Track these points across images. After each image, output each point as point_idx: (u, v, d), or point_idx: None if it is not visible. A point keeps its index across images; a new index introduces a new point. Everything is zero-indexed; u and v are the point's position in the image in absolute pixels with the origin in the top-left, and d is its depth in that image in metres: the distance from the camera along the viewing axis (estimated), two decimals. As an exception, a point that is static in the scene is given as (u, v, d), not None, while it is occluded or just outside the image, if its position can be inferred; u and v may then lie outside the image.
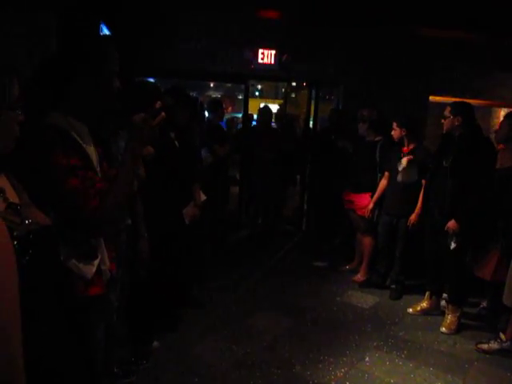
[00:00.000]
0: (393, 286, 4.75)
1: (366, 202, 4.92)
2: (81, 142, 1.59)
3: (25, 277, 0.97)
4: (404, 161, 4.44)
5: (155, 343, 3.43)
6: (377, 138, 4.96)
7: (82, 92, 1.63)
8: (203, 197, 3.86)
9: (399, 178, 4.53)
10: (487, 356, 3.63)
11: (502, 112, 8.88)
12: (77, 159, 1.53)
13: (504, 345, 3.64)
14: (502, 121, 4.28)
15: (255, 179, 6.50)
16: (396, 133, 4.62)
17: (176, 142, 3.43)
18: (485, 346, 3.68)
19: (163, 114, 1.61)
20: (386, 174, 4.77)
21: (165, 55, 6.40)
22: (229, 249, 5.89)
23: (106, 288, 1.69)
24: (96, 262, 1.61)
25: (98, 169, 1.67)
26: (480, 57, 6.86)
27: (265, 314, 4.18)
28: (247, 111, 6.94)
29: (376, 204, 4.83)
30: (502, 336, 3.66)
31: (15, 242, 1.00)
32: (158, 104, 1.62)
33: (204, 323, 3.90)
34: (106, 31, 5.55)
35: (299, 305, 4.39)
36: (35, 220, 1.14)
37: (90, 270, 1.58)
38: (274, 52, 6.68)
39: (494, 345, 3.67)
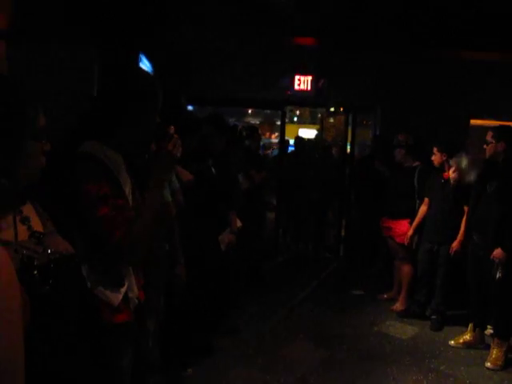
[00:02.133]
0: (433, 317, 4.57)
1: (404, 229, 4.81)
2: (114, 170, 1.63)
3: (46, 306, 0.98)
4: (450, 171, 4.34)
5: (189, 370, 3.41)
6: (415, 164, 4.86)
7: (126, 129, 1.68)
8: (239, 223, 3.87)
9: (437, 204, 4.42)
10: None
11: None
12: (108, 188, 1.57)
13: None
14: None
15: (294, 206, 6.51)
16: (437, 158, 4.52)
17: (213, 169, 3.48)
18: None
19: (175, 136, 1.65)
20: (426, 200, 4.65)
21: (203, 84, 6.54)
22: (265, 275, 5.84)
23: (133, 315, 1.69)
24: (123, 290, 1.63)
25: (130, 197, 1.71)
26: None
27: (299, 343, 4.09)
28: (284, 137, 6.98)
29: (415, 231, 4.70)
30: None
31: (35, 272, 1.02)
32: (171, 129, 1.66)
33: (237, 351, 3.85)
34: (146, 63, 5.75)
35: (335, 334, 4.28)
36: (58, 249, 1.16)
37: (117, 297, 1.59)
38: (310, 78, 6.73)
39: None
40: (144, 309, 1.89)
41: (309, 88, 6.75)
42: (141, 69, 1.74)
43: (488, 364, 3.80)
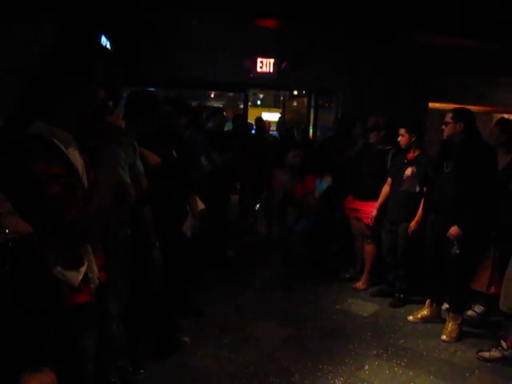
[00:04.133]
0: (397, 295, 4.72)
1: (373, 210, 4.89)
2: (65, 150, 1.60)
3: (6, 285, 0.97)
4: (409, 171, 4.41)
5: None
6: (387, 147, 4.94)
7: (67, 104, 1.66)
8: (201, 206, 3.86)
9: (403, 187, 4.51)
10: (488, 364, 3.59)
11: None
12: (59, 167, 1.55)
13: (506, 353, 3.60)
14: (493, 127, 4.31)
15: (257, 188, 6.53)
16: (404, 139, 4.54)
17: (174, 152, 3.44)
18: (486, 354, 3.64)
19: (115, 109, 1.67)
20: (389, 180, 4.74)
21: (165, 65, 6.45)
22: (230, 257, 5.87)
23: (94, 296, 1.68)
24: (82, 269, 1.62)
25: (84, 176, 1.68)
26: (480, 63, 6.88)
27: (264, 322, 4.16)
28: (246, 120, 6.97)
29: (379, 211, 4.80)
30: (504, 344, 3.63)
31: None
32: (110, 103, 1.67)
33: (203, 332, 3.88)
34: (106, 43, 5.61)
35: (298, 313, 4.37)
36: (16, 229, 1.15)
37: (76, 277, 1.58)
38: (272, 60, 6.73)
39: (495, 353, 3.63)
40: (105, 291, 1.88)
41: (271, 71, 6.75)
42: (78, 42, 1.69)
43: (443, 337, 3.97)
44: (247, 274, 5.40)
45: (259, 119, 7.52)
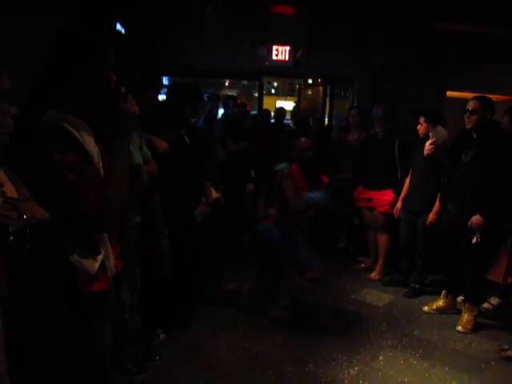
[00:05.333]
0: (412, 285, 4.68)
1: (388, 199, 4.86)
2: (80, 138, 1.60)
3: (24, 271, 0.97)
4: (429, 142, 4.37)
5: (162, 336, 3.43)
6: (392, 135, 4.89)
7: (80, 89, 1.65)
8: (215, 194, 3.86)
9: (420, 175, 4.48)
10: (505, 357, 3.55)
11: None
12: (74, 155, 1.54)
13: None
14: (504, 115, 4.23)
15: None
16: (423, 128, 4.49)
17: (186, 139, 3.44)
18: (510, 353, 3.57)
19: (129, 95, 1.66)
20: (411, 171, 4.69)
21: (179, 54, 6.43)
22: (244, 247, 5.87)
23: (111, 284, 1.69)
24: (99, 258, 1.62)
25: (100, 165, 1.68)
26: (497, 52, 6.75)
27: (278, 311, 4.15)
28: (261, 108, 6.93)
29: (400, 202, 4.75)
30: None
31: (11, 237, 1.01)
32: (123, 88, 1.65)
33: (218, 320, 3.90)
34: (121, 30, 5.60)
35: (314, 303, 4.36)
36: (33, 215, 1.15)
37: (93, 265, 1.58)
38: (288, 48, 6.66)
39: None
40: (119, 280, 1.89)
41: (287, 58, 6.69)
42: (87, 29, 1.68)
43: (459, 328, 3.94)
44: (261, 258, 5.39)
45: (280, 109, 7.44)
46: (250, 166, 6.28)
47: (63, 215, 1.45)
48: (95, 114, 1.71)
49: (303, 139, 3.98)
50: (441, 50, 6.63)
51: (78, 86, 1.64)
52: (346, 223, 5.97)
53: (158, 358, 3.23)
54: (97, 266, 1.59)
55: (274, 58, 6.63)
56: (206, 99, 5.38)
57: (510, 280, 3.90)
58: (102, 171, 1.66)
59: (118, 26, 5.26)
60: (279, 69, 6.89)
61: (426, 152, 4.37)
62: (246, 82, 15.02)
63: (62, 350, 1.23)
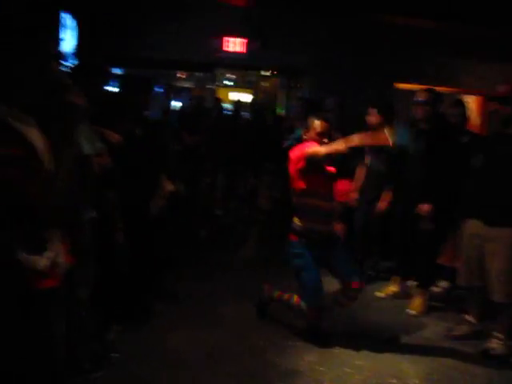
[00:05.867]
0: (369, 272, 4.82)
1: (344, 189, 4.96)
2: (24, 132, 1.56)
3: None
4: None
5: (117, 327, 3.39)
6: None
7: (18, 75, 1.61)
8: (171, 187, 3.83)
9: (372, 165, 4.59)
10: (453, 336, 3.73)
11: (470, 99, 9.09)
12: (18, 149, 1.51)
13: (474, 328, 3.72)
14: (451, 107, 4.49)
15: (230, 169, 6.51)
16: (374, 119, 4.59)
17: (139, 131, 3.39)
18: (457, 333, 3.74)
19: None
20: (365, 161, 4.81)
21: (129, 44, 6.30)
22: (203, 239, 5.88)
23: (63, 280, 1.66)
24: (48, 254, 1.59)
25: (47, 158, 1.65)
26: (445, 45, 6.98)
27: (237, 303, 4.18)
28: (217, 101, 6.91)
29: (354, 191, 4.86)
30: (468, 317, 3.75)
31: None
32: (67, 80, 1.63)
33: (176, 314, 3.88)
34: (69, 20, 5.45)
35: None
36: None
37: (42, 261, 1.55)
38: (242, 40, 6.65)
39: (464, 327, 3.75)
40: (73, 275, 1.86)
41: (241, 50, 6.68)
42: (25, 18, 1.64)
43: (412, 311, 4.10)
44: (219, 254, 5.42)
45: (237, 101, 7.44)
46: (207, 159, 6.26)
47: (9, 211, 1.42)
48: (40, 107, 1.66)
49: (318, 122, 3.50)
50: (391, 42, 6.79)
51: (15, 71, 1.59)
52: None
53: (115, 354, 3.19)
54: (45, 262, 1.56)
55: (228, 49, 6.61)
56: (160, 91, 5.33)
57: (458, 263, 4.09)
58: (48, 164, 1.62)
59: (64, 16, 5.10)
60: (233, 61, 6.87)
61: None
62: (201, 74, 14.89)
63: (12, 349, 1.20)
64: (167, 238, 4.25)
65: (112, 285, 3.07)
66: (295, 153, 3.47)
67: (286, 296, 3.69)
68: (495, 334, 3.47)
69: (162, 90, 5.68)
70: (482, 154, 3.50)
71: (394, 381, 3.10)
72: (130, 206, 3.15)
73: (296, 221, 3.56)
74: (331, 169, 3.55)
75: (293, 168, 3.48)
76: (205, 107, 6.47)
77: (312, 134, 3.46)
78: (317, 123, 3.45)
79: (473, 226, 3.51)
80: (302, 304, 3.48)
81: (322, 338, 3.52)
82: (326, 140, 3.41)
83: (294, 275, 3.57)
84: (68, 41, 6.01)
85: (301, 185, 3.48)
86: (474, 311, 3.73)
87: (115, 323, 3.38)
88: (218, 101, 7.09)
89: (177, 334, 3.56)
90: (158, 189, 3.70)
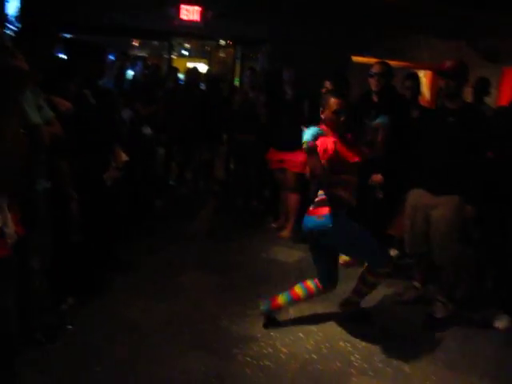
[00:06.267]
0: None
1: (300, 159, 5.01)
2: None
3: None
4: None
5: (70, 299, 3.38)
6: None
7: None
8: (125, 157, 3.77)
9: None
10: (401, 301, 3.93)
11: (422, 74, 9.32)
12: None
13: (419, 292, 3.93)
14: (404, 80, 4.70)
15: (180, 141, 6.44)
16: None
17: (92, 99, 3.31)
18: (405, 297, 3.94)
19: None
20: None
21: (83, 11, 6.05)
22: (157, 210, 5.85)
23: (12, 251, 1.63)
24: None
25: None
26: (399, 19, 7.07)
27: (192, 272, 4.23)
28: (172, 70, 6.77)
29: None
30: (414, 283, 3.95)
31: None
32: (7, 42, 1.57)
33: (132, 285, 3.88)
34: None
35: (226, 262, 4.49)
36: None
37: None
38: (198, 8, 6.51)
39: (411, 293, 3.95)
40: (26, 246, 1.83)
41: (197, 19, 6.55)
42: None
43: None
44: (175, 225, 5.43)
45: (192, 69, 7.14)
46: (162, 130, 6.17)
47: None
48: None
49: (334, 99, 3.24)
50: (348, 16, 6.83)
51: None
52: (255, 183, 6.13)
53: (69, 326, 3.18)
54: None
55: (184, 17, 6.46)
56: (113, 59, 5.18)
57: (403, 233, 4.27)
58: None
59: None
60: (189, 29, 6.73)
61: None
62: (156, 43, 14.51)
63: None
64: (122, 208, 4.20)
65: (66, 256, 3.04)
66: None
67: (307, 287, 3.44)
68: (438, 297, 3.68)
69: (114, 58, 5.50)
70: (428, 127, 3.64)
71: (345, 344, 3.25)
72: (84, 176, 3.09)
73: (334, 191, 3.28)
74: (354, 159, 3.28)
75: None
76: (159, 77, 6.33)
77: (328, 112, 3.25)
78: (333, 101, 3.23)
79: (418, 196, 3.66)
80: (369, 271, 3.37)
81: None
82: (342, 118, 3.20)
83: (344, 249, 3.55)
84: (12, 3, 5.70)
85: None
86: (419, 277, 3.94)
87: (70, 295, 3.35)
88: (174, 70, 6.95)
89: (133, 304, 3.57)
90: (112, 159, 3.64)
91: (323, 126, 3.25)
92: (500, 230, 3.64)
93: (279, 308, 3.48)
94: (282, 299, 3.44)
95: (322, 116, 3.30)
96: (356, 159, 3.27)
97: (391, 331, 3.47)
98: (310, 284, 3.40)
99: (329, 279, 3.38)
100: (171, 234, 5.12)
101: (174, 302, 3.66)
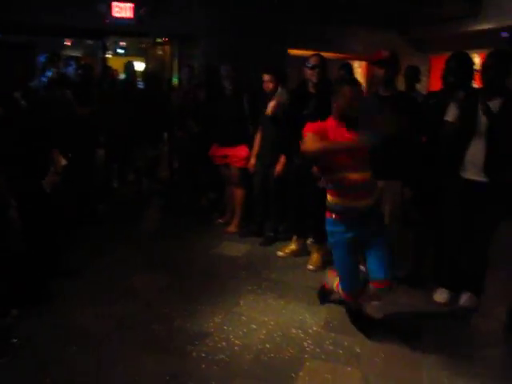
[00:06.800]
0: (267, 234, 5.02)
1: (243, 154, 5.06)
2: None
3: None
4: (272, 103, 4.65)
5: (14, 311, 3.26)
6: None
7: None
8: (63, 161, 3.66)
9: (266, 130, 4.73)
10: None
11: (357, 65, 9.63)
12: None
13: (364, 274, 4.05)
14: (339, 70, 4.87)
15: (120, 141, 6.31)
16: (271, 85, 4.72)
17: (23, 102, 3.18)
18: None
19: None
20: (261, 127, 4.93)
21: (5, 7, 5.79)
22: (101, 214, 5.72)
23: None
24: None
25: None
26: (333, 12, 7.25)
27: (141, 274, 4.18)
28: (106, 69, 6.61)
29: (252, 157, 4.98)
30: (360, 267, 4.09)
31: None
32: None
33: (79, 291, 3.79)
34: None
35: (175, 261, 4.47)
36: None
37: None
38: (130, 5, 6.39)
39: None
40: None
41: (130, 16, 6.42)
42: None
43: (310, 266, 4.37)
44: (120, 227, 5.35)
45: (127, 65, 6.89)
46: (100, 131, 6.02)
47: None
48: None
49: (348, 88, 3.04)
50: (284, 10, 6.91)
51: None
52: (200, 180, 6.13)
53: (14, 340, 3.06)
54: None
55: (116, 14, 6.32)
56: (44, 60, 5.00)
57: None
58: None
59: None
60: (123, 27, 6.58)
61: (268, 112, 4.64)
62: (90, 42, 14.09)
63: None
64: (65, 213, 4.08)
65: (7, 266, 2.92)
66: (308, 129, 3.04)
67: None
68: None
69: (43, 59, 5.30)
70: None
71: (297, 331, 3.33)
72: (22, 183, 2.98)
73: (328, 198, 3.15)
74: (350, 139, 3.02)
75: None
76: (93, 77, 6.15)
77: (341, 101, 3.03)
78: (347, 88, 3.03)
79: None
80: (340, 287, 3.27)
81: (364, 324, 3.35)
82: (357, 105, 3.01)
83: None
84: None
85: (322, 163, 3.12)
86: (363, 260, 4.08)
87: (14, 306, 3.23)
88: (108, 70, 6.78)
89: (82, 310, 3.49)
90: (50, 164, 3.52)
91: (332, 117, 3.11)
92: (436, 210, 3.83)
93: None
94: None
95: (334, 105, 3.10)
96: (351, 140, 2.99)
97: (340, 314, 3.58)
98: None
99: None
100: (117, 236, 5.03)
101: (125, 304, 3.60)
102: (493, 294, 3.80)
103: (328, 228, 3.17)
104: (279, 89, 4.71)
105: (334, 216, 3.09)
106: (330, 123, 3.10)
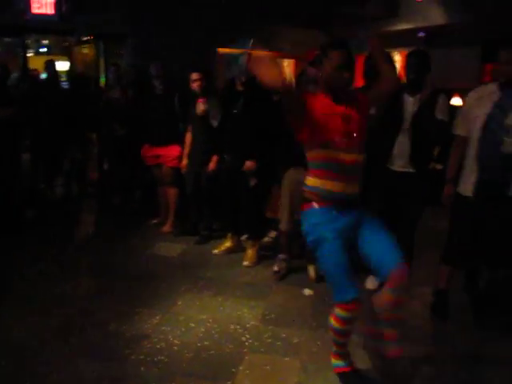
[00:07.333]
0: (202, 233, 5.03)
1: (175, 153, 5.03)
2: None
3: None
4: (201, 105, 4.64)
5: None
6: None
7: None
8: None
9: (196, 131, 4.73)
10: (282, 279, 4.16)
11: (286, 63, 9.83)
12: None
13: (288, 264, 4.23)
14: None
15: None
16: (200, 84, 4.71)
17: None
18: (275, 268, 4.19)
19: None
20: (190, 127, 4.92)
21: None
22: (29, 219, 5.48)
23: None
24: None
25: None
26: (262, 10, 7.35)
27: (74, 279, 4.05)
28: (26, 69, 6.31)
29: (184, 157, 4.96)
30: (282, 256, 4.24)
31: None
32: None
33: (10, 303, 3.63)
34: None
35: (109, 264, 4.38)
36: None
37: None
38: (51, 1, 6.13)
39: (281, 264, 4.21)
40: None
41: (51, 12, 6.16)
42: None
43: (245, 263, 4.43)
44: (50, 232, 5.16)
45: (48, 63, 6.57)
46: (23, 134, 5.75)
47: None
48: None
49: (336, 52, 2.51)
50: (212, 9, 6.92)
51: None
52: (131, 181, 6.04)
53: None
54: None
55: (36, 11, 6.03)
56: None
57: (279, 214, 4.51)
58: None
59: None
60: (44, 24, 6.30)
61: (197, 112, 4.65)
62: (9, 40, 13.34)
63: None
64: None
65: None
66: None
67: None
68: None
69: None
70: None
71: (235, 326, 3.37)
72: None
73: (309, 182, 2.62)
74: (339, 109, 2.54)
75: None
76: (10, 77, 5.83)
77: (328, 68, 2.54)
78: (334, 54, 2.52)
79: (295, 173, 3.88)
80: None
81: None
82: (347, 75, 2.54)
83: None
84: None
85: (304, 135, 2.56)
86: (285, 251, 4.26)
87: None
88: (28, 70, 6.46)
89: (12, 324, 3.32)
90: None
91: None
92: (380, 196, 3.96)
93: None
94: None
95: (320, 74, 2.67)
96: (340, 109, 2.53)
97: (277, 307, 3.67)
98: None
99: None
100: (46, 243, 4.84)
101: (56, 313, 3.48)
102: (418, 277, 4.03)
103: (309, 221, 2.60)
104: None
105: (315, 205, 2.57)
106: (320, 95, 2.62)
